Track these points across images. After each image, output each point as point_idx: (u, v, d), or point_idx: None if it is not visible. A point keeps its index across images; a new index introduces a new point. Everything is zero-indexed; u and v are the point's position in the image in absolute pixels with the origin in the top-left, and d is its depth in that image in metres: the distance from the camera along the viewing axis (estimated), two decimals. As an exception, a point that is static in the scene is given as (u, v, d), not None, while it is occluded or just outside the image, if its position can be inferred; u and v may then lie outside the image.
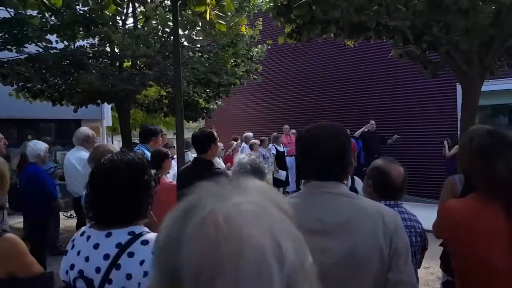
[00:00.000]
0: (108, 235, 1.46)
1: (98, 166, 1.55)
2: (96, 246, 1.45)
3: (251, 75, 8.68)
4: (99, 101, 7.16)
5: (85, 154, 4.66)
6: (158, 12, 5.54)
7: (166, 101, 9.51)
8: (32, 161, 4.74)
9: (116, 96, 6.45)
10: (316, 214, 1.41)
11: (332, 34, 5.02)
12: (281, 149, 10.26)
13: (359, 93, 11.51)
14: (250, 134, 9.72)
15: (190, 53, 6.98)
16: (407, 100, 10.81)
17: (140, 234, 1.46)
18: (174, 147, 5.75)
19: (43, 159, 4.86)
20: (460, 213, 1.54)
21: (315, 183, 1.48)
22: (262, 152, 8.82)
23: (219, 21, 3.86)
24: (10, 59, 6.83)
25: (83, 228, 1.57)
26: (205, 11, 3.72)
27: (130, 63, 7.55)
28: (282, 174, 9.91)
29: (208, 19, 3.83)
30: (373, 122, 10.09)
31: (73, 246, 1.54)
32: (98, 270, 1.41)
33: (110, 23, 5.86)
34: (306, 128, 1.57)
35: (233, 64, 8.28)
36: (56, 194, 4.89)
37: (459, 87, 10.11)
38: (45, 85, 7.20)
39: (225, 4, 3.44)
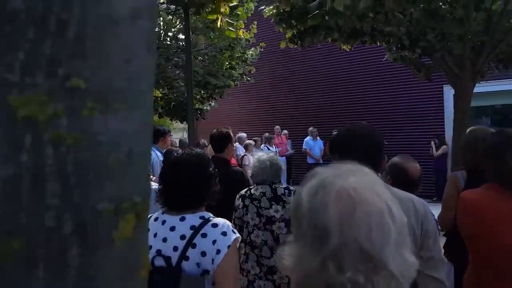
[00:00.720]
0: (182, 219, 1.67)
1: (172, 159, 1.75)
2: (172, 229, 1.65)
3: (244, 76, 8.88)
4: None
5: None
6: (161, 15, 5.67)
7: (162, 102, 9.62)
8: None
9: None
10: None
11: (329, 39, 5.26)
12: (273, 149, 10.47)
13: (349, 95, 11.82)
14: (244, 134, 9.88)
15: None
16: (395, 102, 11.17)
17: (209, 219, 1.67)
18: (177, 147, 5.92)
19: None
20: (479, 200, 1.77)
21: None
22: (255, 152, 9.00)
23: (229, 28, 4.04)
24: None
25: (154, 215, 1.75)
26: (217, 18, 3.90)
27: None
28: (275, 174, 10.10)
29: (219, 26, 4.02)
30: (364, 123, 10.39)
31: (148, 230, 1.72)
32: (175, 248, 1.61)
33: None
34: (346, 128, 1.79)
35: (228, 66, 8.46)
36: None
37: (446, 90, 10.59)
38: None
39: (239, 13, 3.62)
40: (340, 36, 5.00)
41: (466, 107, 4.82)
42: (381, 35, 5.27)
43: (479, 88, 9.67)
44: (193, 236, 1.61)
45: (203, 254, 1.58)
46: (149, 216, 1.79)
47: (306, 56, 12.20)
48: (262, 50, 9.15)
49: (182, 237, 1.62)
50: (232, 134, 3.52)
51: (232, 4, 3.61)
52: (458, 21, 3.96)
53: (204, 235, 1.61)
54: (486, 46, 4.37)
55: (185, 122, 10.61)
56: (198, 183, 1.70)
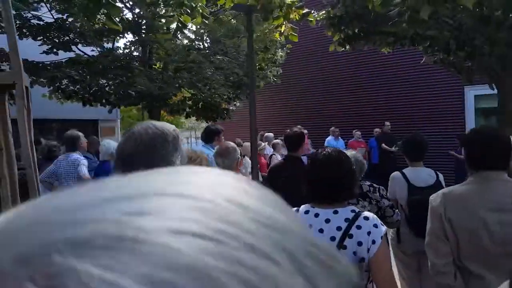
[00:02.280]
0: (335, 212, 1.87)
1: (321, 157, 1.95)
2: (327, 221, 1.86)
3: (272, 77, 9.09)
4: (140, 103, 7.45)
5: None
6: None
7: (190, 103, 9.81)
8: (105, 159, 5.03)
9: (158, 98, 6.75)
10: (492, 196, 1.85)
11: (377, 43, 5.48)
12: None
13: (371, 96, 12.06)
14: (271, 134, 10.08)
15: (225, 58, 7.33)
16: (416, 102, 11.40)
17: (359, 212, 1.87)
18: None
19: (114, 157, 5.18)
20: None
21: (488, 173, 1.90)
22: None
23: (292, 33, 4.24)
24: (52, 62, 7.05)
25: (301, 209, 1.95)
26: (281, 24, 4.10)
27: (161, 65, 7.85)
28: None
29: (282, 31, 4.22)
30: (388, 123, 10.63)
31: None
32: (332, 238, 1.82)
33: (160, 30, 6.19)
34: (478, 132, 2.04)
35: (258, 67, 8.67)
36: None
37: (466, 90, 10.82)
38: (78, 86, 7.45)
39: (311, 20, 3.81)
40: (392, 41, 5.21)
41: (510, 109, 5.04)
42: (421, 38, 5.48)
43: (483, 91, 9.93)
44: (348, 228, 1.82)
45: (359, 243, 1.79)
46: (296, 208, 2.00)
47: (328, 57, 12.40)
48: (289, 51, 9.36)
49: (338, 228, 1.83)
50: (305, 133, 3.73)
51: (305, 11, 3.81)
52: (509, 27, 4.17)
53: (358, 227, 1.82)
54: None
55: (210, 121, 10.82)
56: (345, 178, 1.91)
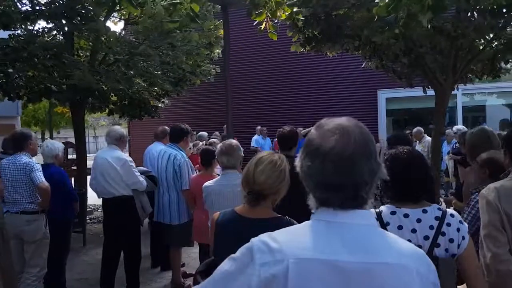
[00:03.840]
0: (424, 211, 1.89)
1: (404, 158, 1.95)
2: (418, 221, 1.86)
3: (205, 75, 8.91)
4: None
5: (121, 153, 4.49)
6: (156, 10, 5.47)
7: (115, 98, 9.06)
8: (48, 162, 4.37)
9: (96, 92, 6.08)
10: None
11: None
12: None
13: (294, 96, 12.57)
14: (205, 133, 9.85)
15: (170, 53, 6.90)
16: (335, 105, 12.21)
17: (445, 210, 1.92)
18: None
19: (60, 160, 4.53)
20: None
21: None
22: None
23: (271, 31, 4.19)
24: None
25: (385, 210, 1.93)
26: (262, 21, 4.04)
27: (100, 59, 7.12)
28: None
29: (262, 28, 4.16)
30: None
31: (387, 223, 1.90)
32: (426, 238, 1.84)
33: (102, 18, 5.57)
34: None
35: (196, 64, 8.40)
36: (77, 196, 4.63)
37: (380, 94, 11.91)
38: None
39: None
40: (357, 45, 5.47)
41: (444, 109, 5.69)
42: (364, 45, 5.85)
43: (393, 93, 11.14)
44: (440, 226, 1.86)
45: (451, 240, 1.85)
46: (378, 210, 1.98)
47: (257, 56, 12.55)
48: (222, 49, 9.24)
49: (431, 227, 1.86)
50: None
51: (295, 10, 3.76)
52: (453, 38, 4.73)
53: (448, 224, 1.87)
54: (462, 61, 5.27)
55: (136, 119, 10.16)
56: (428, 177, 1.97)
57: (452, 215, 1.90)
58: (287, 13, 3.76)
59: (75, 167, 8.66)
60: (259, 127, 11.62)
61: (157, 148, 5.49)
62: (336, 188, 1.00)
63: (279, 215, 2.04)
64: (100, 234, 6.19)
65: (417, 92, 10.23)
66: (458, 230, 1.86)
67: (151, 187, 4.71)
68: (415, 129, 8.99)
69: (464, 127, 8.35)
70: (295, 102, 12.60)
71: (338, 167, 0.99)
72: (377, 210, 2.00)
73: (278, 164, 1.98)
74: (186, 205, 4.70)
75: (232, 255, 1.12)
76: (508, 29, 5.01)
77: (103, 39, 5.96)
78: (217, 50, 8.54)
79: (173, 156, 4.62)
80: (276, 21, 4.26)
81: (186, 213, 4.72)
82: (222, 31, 7.10)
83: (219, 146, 3.42)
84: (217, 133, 10.76)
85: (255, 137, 11.63)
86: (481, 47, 5.27)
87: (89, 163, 5.78)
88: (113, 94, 9.13)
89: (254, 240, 1.07)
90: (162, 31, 5.62)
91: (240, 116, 12.92)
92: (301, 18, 4.94)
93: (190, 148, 8.54)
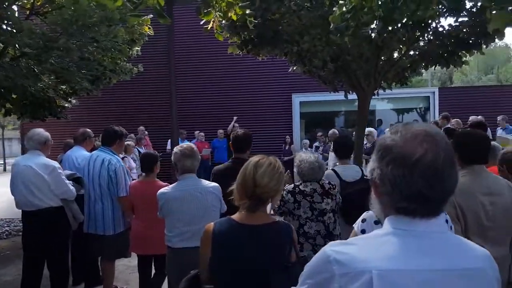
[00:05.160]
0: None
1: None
2: None
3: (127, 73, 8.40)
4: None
5: (47, 160, 3.97)
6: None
7: (15, 97, 8.02)
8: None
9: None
10: (484, 184, 2.39)
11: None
12: (143, 150, 10.10)
13: (216, 98, 12.47)
14: (141, 127, 9.33)
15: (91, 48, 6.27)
16: (252, 107, 12.43)
17: None
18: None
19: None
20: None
21: (478, 166, 2.42)
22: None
23: (218, 31, 4.10)
24: None
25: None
26: (210, 21, 3.94)
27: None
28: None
29: (209, 28, 4.06)
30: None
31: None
32: None
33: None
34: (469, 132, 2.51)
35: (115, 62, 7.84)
36: None
37: (294, 97, 12.41)
38: None
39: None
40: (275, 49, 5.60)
41: (366, 112, 6.17)
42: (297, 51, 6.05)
43: (307, 97, 11.82)
44: None
45: None
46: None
47: (175, 56, 12.12)
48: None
49: None
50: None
51: (248, 12, 3.67)
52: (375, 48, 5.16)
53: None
54: (383, 69, 5.78)
55: (38, 120, 9.13)
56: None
57: None
58: (238, 15, 3.69)
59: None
60: (180, 130, 11.30)
61: (78, 154, 5.00)
62: (426, 199, 0.98)
63: (277, 220, 2.00)
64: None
65: (328, 96, 10.95)
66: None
67: (78, 189, 4.27)
68: (330, 131, 9.56)
69: (374, 129, 9.15)
70: (216, 103, 12.52)
71: (430, 178, 0.96)
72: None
73: (277, 166, 1.95)
74: (121, 213, 4.35)
75: (304, 272, 1.08)
76: (421, 42, 5.63)
77: (10, 29, 5.20)
78: (137, 48, 8.08)
79: (107, 160, 4.24)
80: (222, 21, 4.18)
81: (121, 222, 4.37)
82: (147, 28, 6.76)
83: (178, 149, 3.24)
84: (132, 135, 10.20)
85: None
86: (399, 57, 5.83)
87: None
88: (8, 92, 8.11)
89: (327, 250, 1.02)
90: (84, 24, 5.10)
91: (157, 119, 12.44)
92: (254, 20, 4.90)
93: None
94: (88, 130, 5.39)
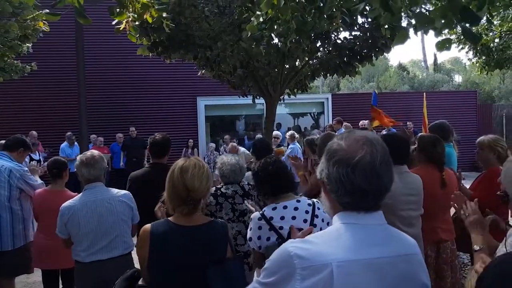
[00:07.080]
0: (298, 201, 2.41)
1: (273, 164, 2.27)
2: (296, 209, 2.36)
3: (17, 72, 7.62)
4: None
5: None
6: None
7: None
8: None
9: None
10: (403, 183, 2.77)
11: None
12: (36, 156, 9.17)
13: (116, 100, 11.86)
14: (33, 132, 8.46)
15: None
16: (157, 109, 12.12)
17: (312, 199, 2.49)
18: None
19: None
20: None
21: (396, 167, 2.79)
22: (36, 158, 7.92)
23: (131, 33, 3.98)
24: None
25: (267, 209, 2.39)
26: (123, 21, 3.83)
27: None
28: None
29: (121, 29, 3.94)
30: (132, 128, 10.81)
31: (271, 218, 2.34)
32: (305, 221, 2.32)
33: None
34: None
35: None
36: None
37: (199, 101, 12.41)
38: None
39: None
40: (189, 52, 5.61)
41: (273, 116, 6.53)
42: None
43: (211, 101, 12.00)
44: (313, 210, 2.38)
45: (323, 220, 2.38)
46: (260, 212, 2.27)
47: (69, 56, 11.21)
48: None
49: (306, 212, 2.36)
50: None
51: (165, 15, 3.56)
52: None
53: (318, 208, 2.40)
54: (287, 76, 6.20)
55: None
56: (290, 176, 2.56)
57: (318, 202, 2.42)
58: (154, 17, 3.63)
59: None
60: (68, 134, 10.44)
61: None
62: (365, 194, 1.13)
63: (212, 219, 2.06)
64: None
65: (232, 100, 11.24)
66: (325, 212, 2.33)
67: None
68: (226, 137, 9.77)
69: (279, 132, 9.62)
70: (119, 106, 11.93)
71: (369, 175, 1.12)
72: (260, 212, 2.38)
73: (201, 165, 1.98)
74: (22, 226, 3.96)
75: (266, 267, 1.16)
76: (321, 52, 6.14)
77: None
78: (28, 45, 7.36)
79: (7, 169, 3.84)
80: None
81: (22, 236, 3.99)
82: (41, 23, 6.24)
83: (79, 157, 3.05)
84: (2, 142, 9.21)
85: (63, 145, 10.43)
86: (301, 65, 6.27)
87: None
88: None
89: (288, 246, 1.12)
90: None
91: (47, 120, 11.45)
92: (171, 24, 4.80)
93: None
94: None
